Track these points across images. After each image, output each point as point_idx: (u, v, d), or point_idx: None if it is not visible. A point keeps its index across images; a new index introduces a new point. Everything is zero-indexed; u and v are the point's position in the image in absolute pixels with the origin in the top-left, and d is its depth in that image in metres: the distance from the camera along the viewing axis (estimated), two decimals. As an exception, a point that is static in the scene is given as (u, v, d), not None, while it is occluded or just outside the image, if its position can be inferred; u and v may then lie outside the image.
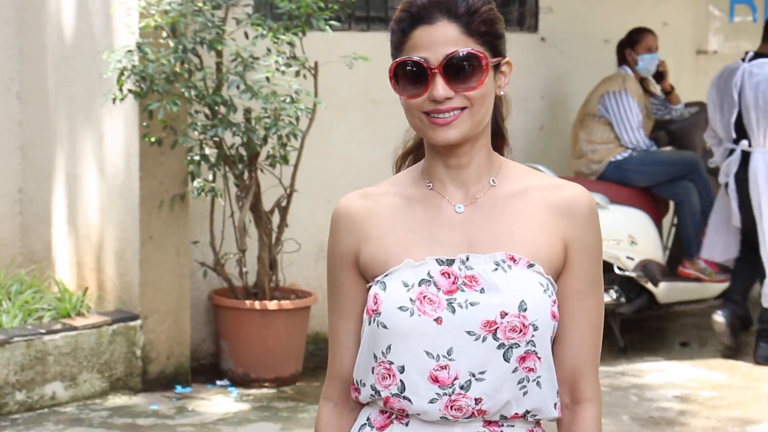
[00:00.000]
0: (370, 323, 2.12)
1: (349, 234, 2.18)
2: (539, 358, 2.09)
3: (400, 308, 2.08)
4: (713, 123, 7.24)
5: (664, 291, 7.32)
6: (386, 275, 2.11)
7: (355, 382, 2.19)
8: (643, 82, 7.54)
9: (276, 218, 6.47)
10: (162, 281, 6.29)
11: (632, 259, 7.22)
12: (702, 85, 8.45)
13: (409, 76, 2.09)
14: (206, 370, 6.57)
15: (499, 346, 2.06)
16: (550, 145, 7.92)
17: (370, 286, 2.15)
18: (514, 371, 2.08)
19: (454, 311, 2.07)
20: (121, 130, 6.28)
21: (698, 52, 8.63)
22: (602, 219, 6.98)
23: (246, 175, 6.30)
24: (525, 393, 2.10)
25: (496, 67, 2.13)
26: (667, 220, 7.71)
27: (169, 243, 6.30)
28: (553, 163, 7.52)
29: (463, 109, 2.08)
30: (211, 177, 6.31)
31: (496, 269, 2.09)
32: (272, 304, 6.31)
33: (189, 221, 6.39)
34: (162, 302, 6.30)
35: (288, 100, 6.08)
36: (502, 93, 2.17)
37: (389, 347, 2.10)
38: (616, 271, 7.15)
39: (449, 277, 2.09)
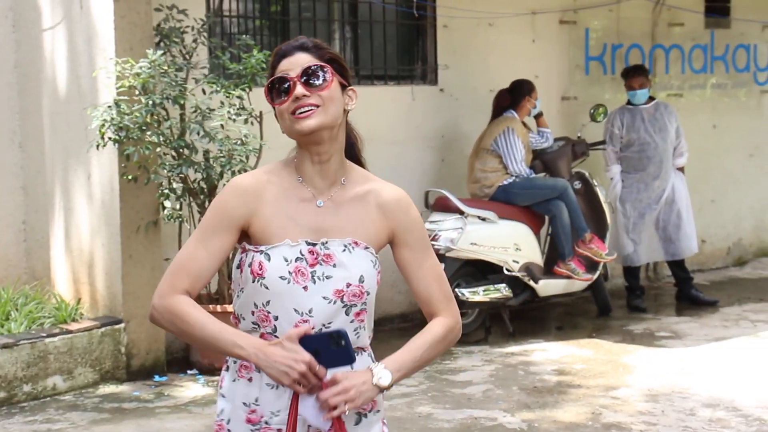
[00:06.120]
0: (253, 281, 2.29)
1: (242, 205, 2.31)
2: (366, 312, 2.37)
3: (281, 277, 2.28)
4: None
5: (542, 287, 7.33)
6: (270, 248, 2.29)
7: (236, 314, 2.37)
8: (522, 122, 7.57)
9: (232, 238, 6.37)
10: (141, 291, 6.15)
11: (517, 262, 7.22)
12: (567, 124, 8.54)
13: (278, 89, 2.30)
14: (179, 362, 6.44)
15: (344, 306, 2.32)
16: (450, 173, 7.90)
17: (247, 248, 2.32)
18: (351, 322, 2.34)
19: (315, 282, 2.30)
20: (105, 170, 6.15)
21: (563, 98, 8.68)
22: (493, 231, 7.02)
23: (207, 203, 6.20)
24: (358, 336, 2.37)
25: (344, 89, 2.36)
26: (544, 231, 7.70)
27: (146, 260, 6.17)
28: (453, 187, 7.50)
29: (317, 106, 2.28)
30: (178, 206, 6.22)
31: (344, 250, 2.33)
32: (230, 308, 6.18)
33: (161, 242, 6.27)
34: (141, 308, 6.16)
35: (239, 143, 6.02)
36: (350, 108, 2.37)
37: (268, 302, 2.30)
38: (505, 271, 7.15)
39: (313, 254, 2.31)
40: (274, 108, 2.33)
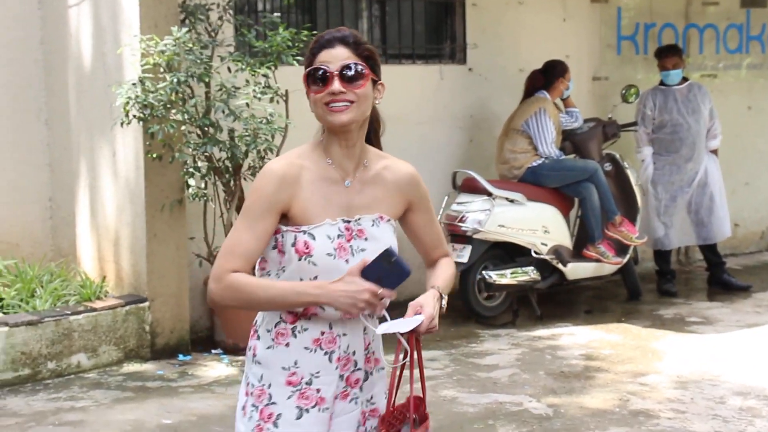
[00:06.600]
0: (300, 259, 2.47)
1: (282, 190, 2.46)
2: None
3: (328, 254, 2.48)
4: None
5: (571, 270, 7.23)
6: (313, 228, 2.48)
7: None
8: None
9: (257, 217, 6.32)
10: (165, 270, 6.13)
11: (546, 244, 7.13)
12: (598, 105, 8.41)
13: (316, 79, 2.48)
14: (203, 341, 6.43)
15: None
16: (478, 154, 7.81)
17: (283, 230, 2.48)
18: None
19: (353, 255, 2.50)
20: (130, 149, 6.12)
21: (594, 78, 8.54)
22: (521, 213, 6.97)
23: (232, 182, 6.15)
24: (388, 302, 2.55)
25: (374, 84, 2.54)
26: (573, 213, 7.60)
27: (170, 239, 6.14)
28: (481, 168, 7.41)
29: (351, 102, 2.47)
30: (203, 185, 6.18)
31: (373, 225, 2.55)
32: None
33: (186, 221, 6.23)
34: (166, 287, 6.14)
35: (264, 121, 5.95)
36: (377, 102, 2.57)
37: (316, 277, 2.47)
38: (533, 254, 7.06)
39: (349, 231, 2.52)
40: (308, 94, 2.50)
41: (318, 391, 2.52)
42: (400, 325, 2.45)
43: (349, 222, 2.52)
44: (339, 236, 2.49)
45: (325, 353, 2.52)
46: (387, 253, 2.41)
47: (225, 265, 2.44)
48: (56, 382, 5.67)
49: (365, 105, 2.50)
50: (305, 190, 2.48)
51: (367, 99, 2.49)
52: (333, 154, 2.53)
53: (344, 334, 2.54)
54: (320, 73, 2.45)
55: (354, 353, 2.57)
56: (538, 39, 8.06)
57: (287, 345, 2.51)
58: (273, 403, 2.51)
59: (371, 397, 2.63)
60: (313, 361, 2.51)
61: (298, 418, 2.51)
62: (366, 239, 2.53)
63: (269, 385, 2.52)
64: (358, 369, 2.58)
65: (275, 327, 2.53)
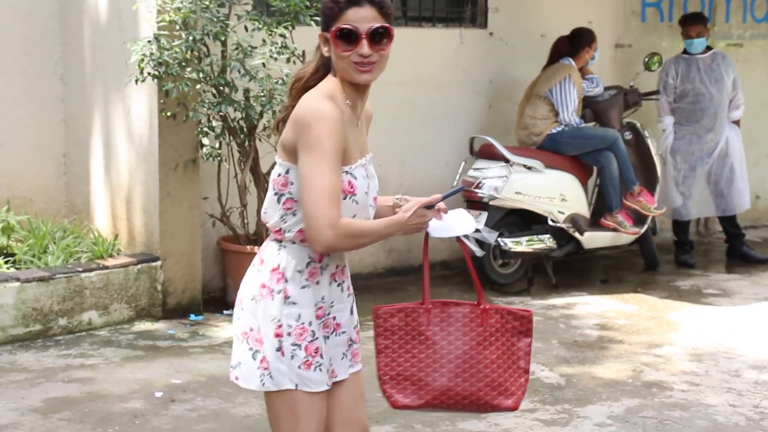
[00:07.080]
0: (344, 199, 2.61)
1: (344, 132, 2.58)
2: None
3: (366, 192, 2.68)
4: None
5: (588, 239, 7.15)
6: (354, 168, 2.64)
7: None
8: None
9: (271, 178, 6.26)
10: (178, 229, 6.09)
11: (563, 213, 7.05)
12: (620, 72, 8.28)
13: (346, 38, 2.57)
14: (215, 301, 6.39)
15: (372, 210, 2.76)
16: (497, 120, 7.71)
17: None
18: None
19: (369, 193, 2.72)
20: (144, 106, 6.06)
21: (616, 45, 8.41)
22: (539, 180, 6.88)
23: (246, 143, 6.09)
24: None
25: None
26: (591, 182, 7.51)
27: (184, 198, 6.09)
28: (500, 134, 7.32)
29: (375, 62, 2.61)
30: (217, 145, 6.12)
31: (370, 164, 2.75)
32: (268, 249, 6.11)
33: (199, 181, 6.17)
34: (178, 246, 6.11)
35: (280, 82, 5.87)
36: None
37: (355, 215, 2.65)
38: (550, 222, 6.99)
39: (365, 169, 2.70)
40: (328, 43, 2.60)
41: (334, 318, 2.74)
42: (469, 223, 2.79)
43: (365, 162, 2.72)
44: (368, 175, 2.69)
45: (338, 284, 2.74)
46: (462, 189, 2.88)
47: (335, 211, 2.53)
48: (67, 339, 5.66)
49: (386, 62, 2.64)
50: (346, 132, 2.61)
51: (387, 57, 2.63)
52: (350, 97, 2.65)
53: (344, 266, 2.79)
54: (351, 33, 2.55)
55: (347, 281, 2.83)
56: (561, 4, 7.93)
57: (317, 283, 2.67)
58: (316, 338, 2.68)
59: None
60: (333, 293, 2.73)
61: (326, 344, 2.73)
62: (368, 177, 2.73)
63: (309, 323, 2.67)
64: (350, 294, 2.83)
65: (307, 267, 2.67)
